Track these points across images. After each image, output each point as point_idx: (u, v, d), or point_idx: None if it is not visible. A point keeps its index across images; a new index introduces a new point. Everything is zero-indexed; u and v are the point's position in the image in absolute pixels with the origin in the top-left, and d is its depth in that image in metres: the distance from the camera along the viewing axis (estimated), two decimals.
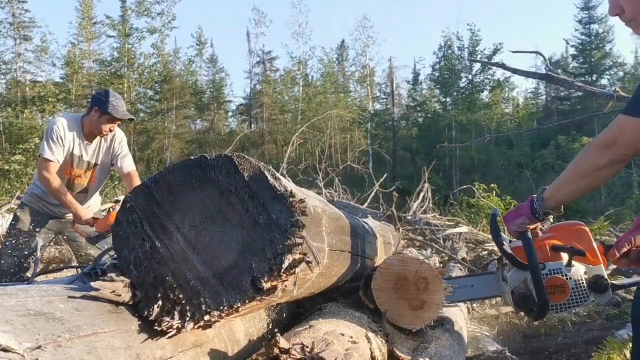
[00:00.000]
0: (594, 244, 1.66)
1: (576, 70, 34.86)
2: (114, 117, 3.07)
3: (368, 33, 38.16)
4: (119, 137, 3.31)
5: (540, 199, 1.55)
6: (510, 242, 1.76)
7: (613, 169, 1.39)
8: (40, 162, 3.04)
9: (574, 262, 1.63)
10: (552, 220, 1.65)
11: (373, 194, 7.76)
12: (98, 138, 3.20)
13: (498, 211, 1.85)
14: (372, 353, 1.40)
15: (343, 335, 1.33)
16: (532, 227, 1.63)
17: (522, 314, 2.04)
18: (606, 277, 1.65)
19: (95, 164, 3.25)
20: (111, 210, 3.02)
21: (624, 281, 1.83)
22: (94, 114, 3.08)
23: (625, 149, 1.35)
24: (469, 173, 29.13)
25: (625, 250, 1.27)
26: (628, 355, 2.26)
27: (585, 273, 1.64)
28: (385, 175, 8.75)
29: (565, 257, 1.64)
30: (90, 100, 3.15)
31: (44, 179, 2.99)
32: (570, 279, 1.62)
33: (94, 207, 3.42)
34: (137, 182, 3.23)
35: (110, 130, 3.14)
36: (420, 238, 4.25)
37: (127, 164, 3.32)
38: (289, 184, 1.04)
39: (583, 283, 1.63)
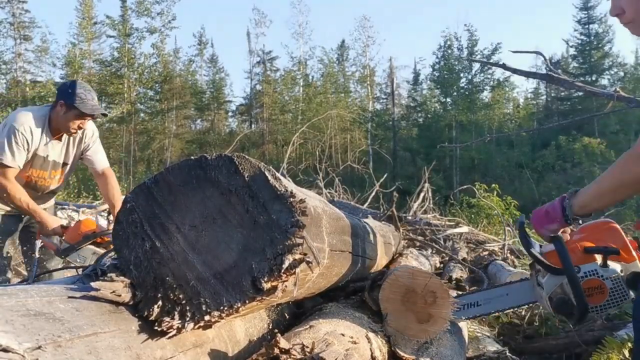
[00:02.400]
0: (627, 241, 1.64)
1: (576, 70, 34.89)
2: (82, 113, 2.64)
3: (368, 33, 38.22)
4: (90, 130, 2.91)
5: (571, 205, 1.52)
6: (540, 246, 1.74)
7: None
8: None
9: (608, 262, 1.61)
10: (580, 221, 1.63)
11: (373, 194, 7.75)
12: (62, 136, 2.80)
13: (524, 217, 1.82)
14: (372, 353, 1.40)
15: (343, 335, 1.33)
16: (561, 230, 1.62)
17: (562, 317, 2.03)
18: None
19: (64, 164, 2.87)
20: (92, 216, 2.88)
21: None
22: (60, 108, 2.66)
23: None
24: (469, 173, 29.15)
25: None
26: (627, 354, 2.26)
27: (621, 271, 1.62)
28: (385, 175, 8.74)
29: (598, 257, 1.62)
30: (56, 92, 2.76)
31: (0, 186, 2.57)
32: (607, 279, 1.60)
33: (49, 209, 3.04)
34: (114, 181, 2.96)
35: (80, 128, 2.74)
36: (420, 238, 4.25)
37: (100, 160, 2.96)
38: (289, 184, 1.04)
39: (620, 281, 1.61)
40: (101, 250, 2.43)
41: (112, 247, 2.21)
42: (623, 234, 1.67)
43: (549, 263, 1.63)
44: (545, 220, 1.60)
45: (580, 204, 1.51)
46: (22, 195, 2.62)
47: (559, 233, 1.61)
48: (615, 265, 1.63)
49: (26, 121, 2.62)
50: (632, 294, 1.62)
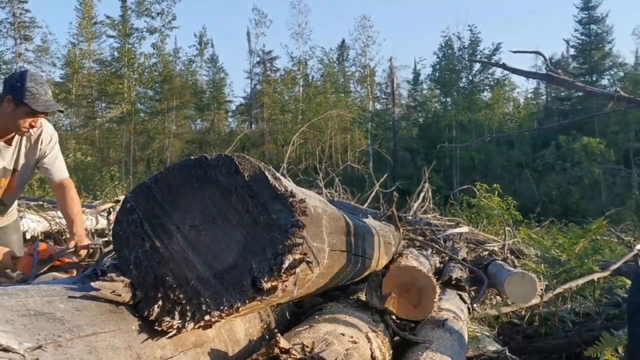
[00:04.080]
0: None
1: (576, 70, 34.86)
2: (33, 110, 2.23)
3: (368, 33, 38.17)
4: (47, 133, 2.49)
5: None
6: None
7: None
8: None
9: None
10: None
11: (373, 193, 7.75)
12: (17, 136, 2.39)
13: None
14: (372, 353, 1.40)
15: (343, 335, 1.33)
16: None
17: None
18: None
19: (14, 170, 2.44)
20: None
21: None
22: (7, 104, 2.24)
23: None
24: (469, 173, 29.14)
25: None
26: (621, 351, 2.27)
27: None
28: (385, 175, 8.75)
29: None
30: (3, 85, 2.35)
31: None
32: None
33: (10, 217, 2.67)
34: (73, 193, 2.56)
35: (32, 126, 2.31)
36: (420, 238, 4.24)
37: (58, 170, 2.55)
38: (289, 184, 1.04)
39: None
40: (62, 275, 2.03)
41: (73, 270, 2.02)
42: None
43: None
44: None
45: None
46: None
47: None
48: None
49: None
50: None
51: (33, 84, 2.23)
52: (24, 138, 2.41)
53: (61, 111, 2.49)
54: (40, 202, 6.02)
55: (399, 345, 1.80)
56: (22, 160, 2.45)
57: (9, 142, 2.37)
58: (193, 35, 41.10)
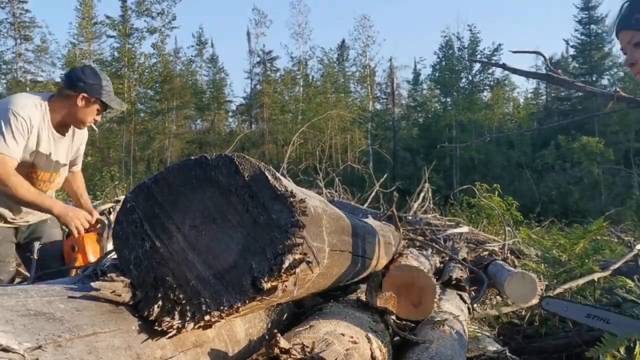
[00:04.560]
0: None
1: (576, 70, 34.86)
2: (107, 107, 2.35)
3: (367, 33, 38.18)
4: (85, 131, 2.60)
5: None
6: None
7: None
8: None
9: None
10: None
11: (373, 193, 7.75)
12: (70, 130, 2.45)
13: None
14: (372, 353, 1.40)
15: (343, 335, 1.33)
16: None
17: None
18: None
19: (64, 165, 2.48)
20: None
21: None
22: (80, 100, 2.29)
23: None
24: (469, 173, 29.14)
25: None
26: (623, 352, 2.26)
27: None
28: (385, 175, 8.74)
29: None
30: (66, 78, 2.39)
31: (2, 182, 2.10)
32: None
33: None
34: (82, 177, 2.76)
35: (96, 121, 2.41)
36: (420, 238, 4.24)
37: (80, 162, 2.75)
38: (289, 184, 1.04)
39: None
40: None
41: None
42: None
43: None
44: None
45: None
46: (27, 186, 2.16)
47: None
48: None
49: (27, 105, 2.19)
50: None
51: (107, 82, 2.35)
52: (70, 134, 2.46)
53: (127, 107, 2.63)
54: None
55: (399, 345, 1.80)
56: (70, 155, 2.52)
57: (62, 133, 2.40)
58: (192, 35, 41.12)
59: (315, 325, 1.37)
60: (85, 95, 2.29)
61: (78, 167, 2.73)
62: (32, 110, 2.22)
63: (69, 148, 2.50)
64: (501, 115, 35.77)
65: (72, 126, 2.45)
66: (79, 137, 2.58)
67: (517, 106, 39.60)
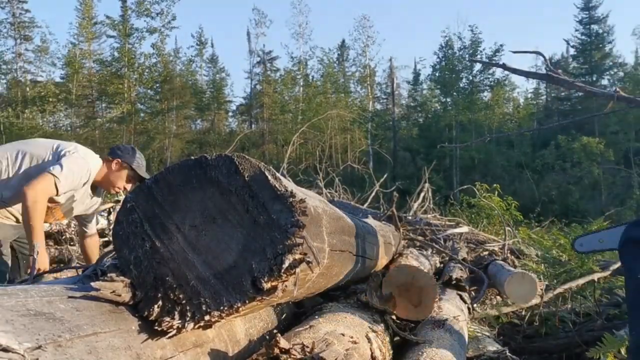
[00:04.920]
0: None
1: (576, 70, 34.87)
2: (137, 175, 2.69)
3: (367, 33, 38.15)
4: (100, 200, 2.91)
5: None
6: None
7: None
8: (47, 179, 2.36)
9: None
10: None
11: (373, 194, 7.74)
12: (97, 192, 2.79)
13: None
14: (372, 353, 1.40)
15: (343, 335, 1.33)
16: None
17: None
18: None
19: (74, 213, 2.78)
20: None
21: None
22: (115, 165, 2.66)
23: None
24: (469, 173, 29.14)
25: None
26: (624, 352, 2.26)
27: None
28: (385, 175, 8.74)
29: None
30: (111, 150, 2.78)
31: (35, 196, 2.32)
32: None
33: None
34: (96, 246, 2.96)
35: (125, 189, 2.74)
36: (420, 238, 4.24)
37: (94, 225, 2.96)
38: (289, 184, 1.04)
39: None
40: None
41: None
42: None
43: None
44: None
45: None
46: (40, 219, 2.37)
47: None
48: None
49: (94, 166, 2.60)
50: None
51: (140, 156, 2.74)
52: (98, 194, 2.79)
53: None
54: None
55: (399, 345, 1.80)
56: (83, 208, 2.79)
57: (94, 193, 2.76)
58: (191, 36, 41.15)
59: (315, 325, 1.37)
60: (119, 161, 2.66)
61: (92, 229, 2.92)
62: (93, 171, 2.60)
63: (88, 204, 2.79)
64: (501, 115, 35.75)
65: (102, 189, 2.79)
66: (97, 200, 2.85)
67: (517, 106, 39.57)
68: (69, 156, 2.48)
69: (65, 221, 2.79)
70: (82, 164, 2.52)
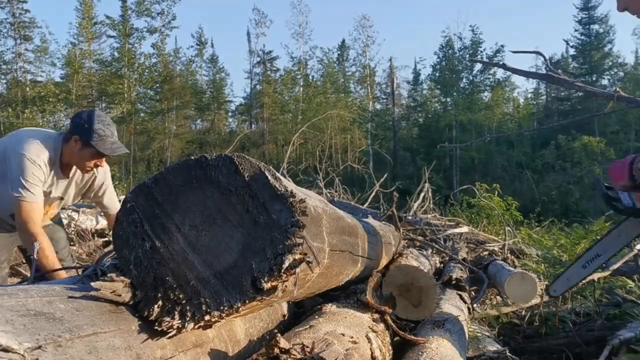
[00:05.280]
0: None
1: (576, 70, 34.89)
2: (100, 153, 2.28)
3: (367, 33, 38.19)
4: (102, 173, 2.54)
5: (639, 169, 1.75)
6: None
7: None
8: (23, 207, 2.19)
9: None
10: None
11: (373, 194, 7.75)
12: (74, 171, 2.46)
13: (602, 180, 2.05)
14: (372, 353, 1.40)
15: (343, 335, 1.33)
16: None
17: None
18: None
19: (60, 198, 2.50)
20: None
21: None
22: (74, 143, 2.28)
23: None
24: (469, 173, 29.16)
25: None
26: None
27: None
28: (385, 175, 8.73)
29: None
30: (71, 122, 2.38)
31: (27, 227, 2.18)
32: None
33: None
34: None
35: (96, 166, 2.37)
36: (420, 238, 4.24)
37: (115, 204, 2.64)
38: (289, 184, 1.04)
39: None
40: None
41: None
42: None
43: None
44: (616, 177, 1.85)
45: None
46: (50, 253, 2.19)
47: None
48: None
49: (40, 153, 2.24)
50: None
51: (101, 125, 2.25)
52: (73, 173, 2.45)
53: (126, 152, 2.48)
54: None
55: (399, 345, 1.80)
56: (71, 191, 2.49)
57: (66, 174, 2.42)
58: (191, 36, 41.14)
59: (315, 325, 1.37)
60: (77, 137, 2.27)
61: (111, 209, 2.63)
62: (44, 157, 2.26)
63: (73, 186, 2.50)
64: (501, 115, 35.76)
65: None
66: (94, 181, 2.55)
67: (517, 106, 39.59)
68: (17, 166, 2.21)
69: (54, 210, 2.56)
70: (34, 171, 2.22)
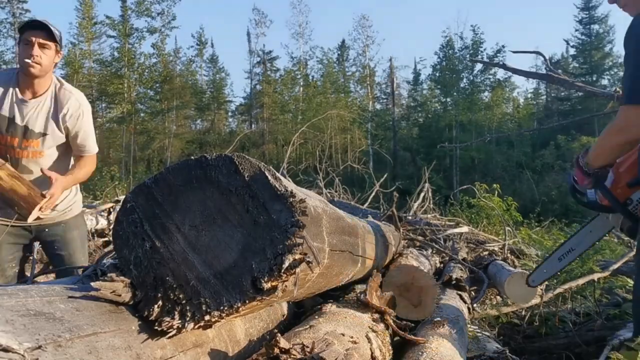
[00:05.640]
0: None
1: (576, 70, 34.89)
2: (22, 32, 2.24)
3: (367, 33, 38.18)
4: (75, 102, 2.37)
5: (586, 163, 1.88)
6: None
7: None
8: None
9: None
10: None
11: (373, 194, 7.75)
12: (40, 96, 2.32)
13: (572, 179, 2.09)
14: (372, 353, 1.40)
15: (343, 335, 1.33)
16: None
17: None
18: None
19: (42, 134, 2.33)
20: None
21: None
22: (18, 46, 2.31)
23: None
24: (469, 173, 29.16)
25: None
26: None
27: None
28: (385, 175, 8.73)
29: None
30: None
31: None
32: None
33: (70, 212, 2.53)
34: (85, 163, 2.47)
35: (31, 55, 2.22)
36: (420, 238, 4.24)
37: (92, 147, 2.49)
38: (289, 184, 1.04)
39: None
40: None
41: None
42: None
43: (606, 205, 1.96)
44: (579, 179, 1.96)
45: (590, 161, 1.86)
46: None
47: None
48: None
49: None
50: None
51: (27, 19, 2.26)
52: (48, 99, 2.32)
53: (54, 36, 2.29)
54: None
55: (399, 345, 1.80)
56: (50, 125, 2.34)
57: (25, 96, 2.30)
58: (191, 36, 41.16)
59: (315, 325, 1.37)
60: (18, 41, 2.25)
61: (85, 152, 2.47)
62: None
63: (45, 115, 2.34)
64: (501, 115, 35.75)
65: (42, 92, 2.33)
66: (60, 106, 2.36)
67: (517, 106, 39.58)
68: None
69: (40, 147, 2.37)
70: None
